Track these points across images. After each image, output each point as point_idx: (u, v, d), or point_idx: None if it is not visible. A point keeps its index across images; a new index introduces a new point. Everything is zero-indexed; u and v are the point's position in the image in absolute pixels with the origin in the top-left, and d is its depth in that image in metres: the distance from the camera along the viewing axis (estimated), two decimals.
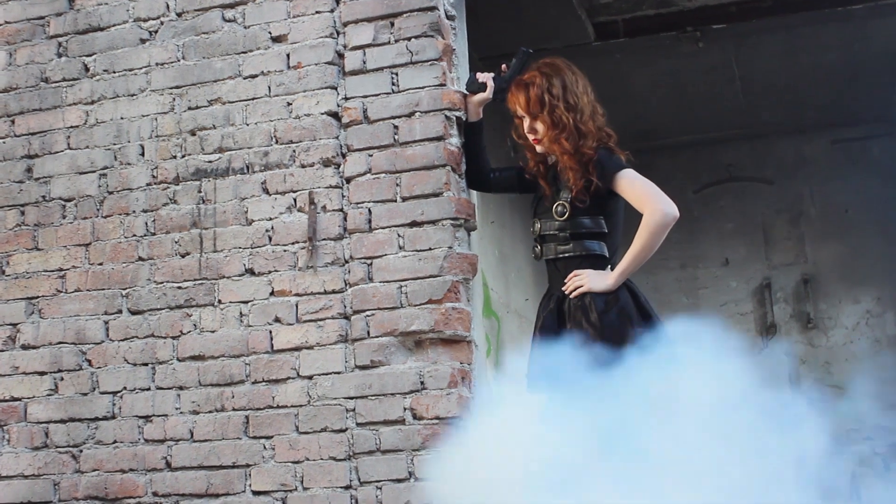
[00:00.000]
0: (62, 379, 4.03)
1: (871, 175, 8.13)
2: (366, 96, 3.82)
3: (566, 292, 3.50)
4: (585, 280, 3.46)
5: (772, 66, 6.91)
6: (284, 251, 3.81)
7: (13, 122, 4.28)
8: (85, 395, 3.99)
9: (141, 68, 4.14)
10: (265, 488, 3.70)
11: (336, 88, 3.87)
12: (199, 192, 3.98)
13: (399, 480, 3.54)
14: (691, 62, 6.72)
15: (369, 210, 3.75)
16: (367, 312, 3.68)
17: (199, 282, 3.92)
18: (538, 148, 3.64)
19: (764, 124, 8.07)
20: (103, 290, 4.04)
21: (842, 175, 8.24)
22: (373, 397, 3.63)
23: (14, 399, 4.08)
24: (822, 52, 6.71)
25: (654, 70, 6.87)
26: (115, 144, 4.12)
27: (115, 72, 4.17)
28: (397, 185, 3.73)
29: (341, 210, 3.79)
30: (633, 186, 3.46)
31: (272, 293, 3.81)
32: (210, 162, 3.98)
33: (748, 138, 8.33)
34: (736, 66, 6.89)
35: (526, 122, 3.64)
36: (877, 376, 6.79)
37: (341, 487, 3.61)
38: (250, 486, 3.72)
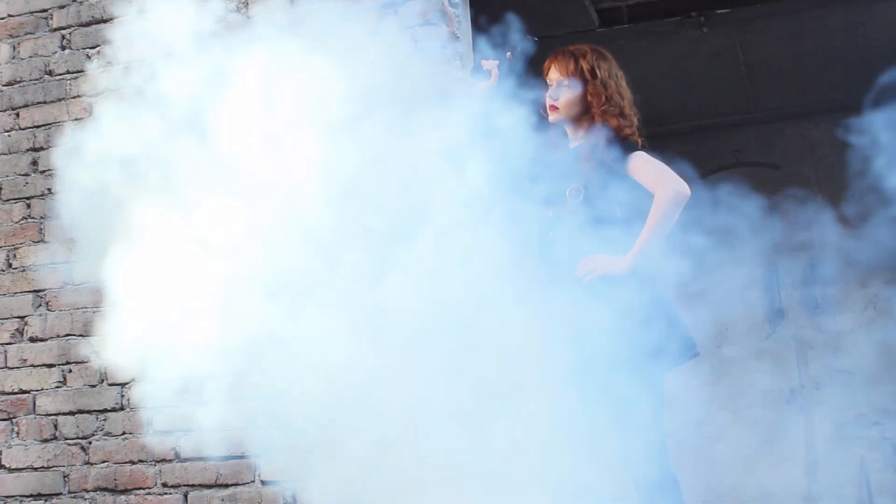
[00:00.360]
0: (70, 371, 4.04)
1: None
2: None
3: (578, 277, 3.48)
4: (598, 264, 3.44)
5: (777, 51, 6.88)
6: None
7: (18, 115, 4.29)
8: (93, 386, 4.00)
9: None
10: (274, 478, 3.70)
11: None
12: None
13: None
14: (696, 47, 6.69)
15: None
16: None
17: None
18: (551, 117, 3.60)
19: (770, 109, 8.04)
20: None
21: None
22: None
23: (23, 391, 4.09)
24: (828, 35, 6.68)
25: (659, 56, 6.84)
26: None
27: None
28: None
29: None
30: (645, 167, 3.44)
31: None
32: None
33: (754, 123, 8.30)
34: (741, 51, 6.86)
35: (552, 88, 3.60)
36: (885, 360, 6.78)
37: None
38: (259, 476, 3.73)
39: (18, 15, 4.35)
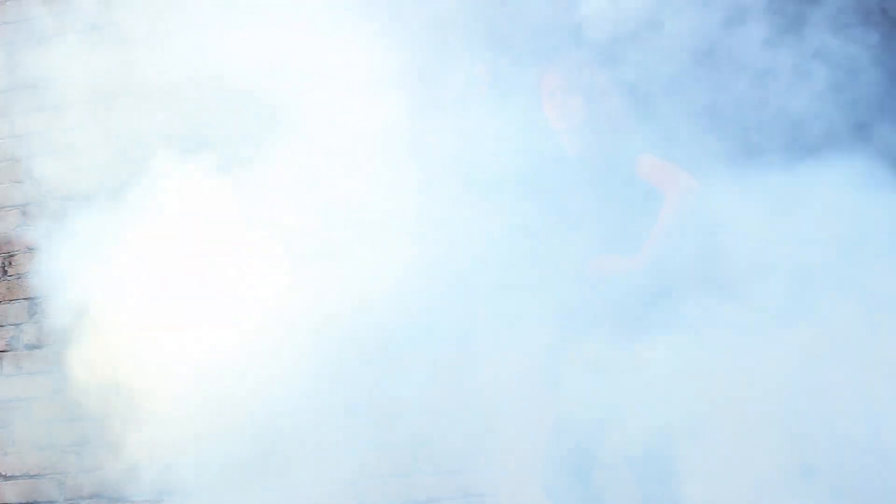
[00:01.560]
0: (66, 378, 4.04)
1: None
2: None
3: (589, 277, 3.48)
4: (612, 262, 3.45)
5: None
6: None
7: (13, 122, 4.28)
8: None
9: None
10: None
11: None
12: None
13: None
14: None
15: None
16: None
17: None
18: (556, 124, 3.59)
19: None
20: None
21: None
22: None
23: (18, 398, 4.09)
24: None
25: None
26: None
27: None
28: None
29: None
30: (652, 166, 3.45)
31: None
32: None
33: None
34: None
35: (556, 96, 3.58)
36: None
37: None
38: None
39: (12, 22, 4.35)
